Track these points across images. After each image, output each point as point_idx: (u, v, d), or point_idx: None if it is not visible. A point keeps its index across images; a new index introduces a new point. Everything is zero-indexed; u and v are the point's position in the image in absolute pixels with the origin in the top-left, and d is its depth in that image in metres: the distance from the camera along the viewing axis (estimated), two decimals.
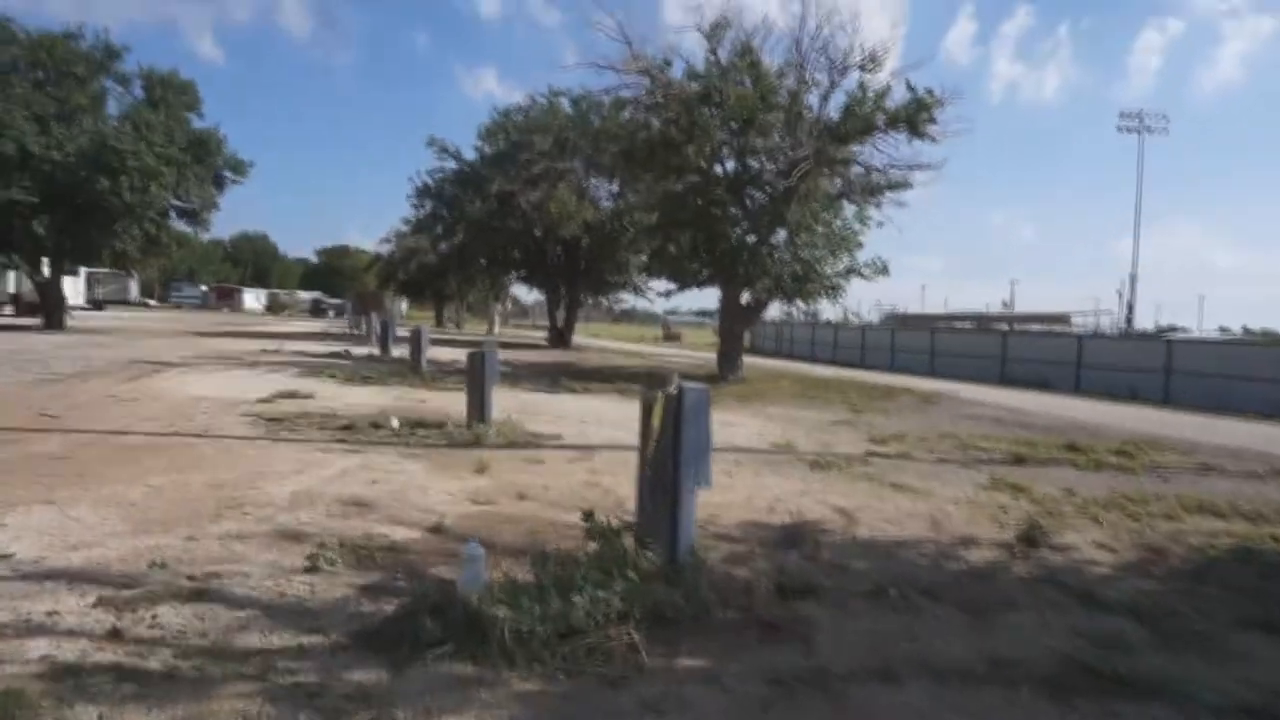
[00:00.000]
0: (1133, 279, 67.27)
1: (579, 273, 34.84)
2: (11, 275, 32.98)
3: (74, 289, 47.77)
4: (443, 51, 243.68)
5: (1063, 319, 75.24)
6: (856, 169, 19.98)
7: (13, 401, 10.70)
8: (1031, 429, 13.85)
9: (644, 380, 18.78)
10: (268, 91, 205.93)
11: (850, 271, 19.99)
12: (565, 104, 33.83)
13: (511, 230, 32.84)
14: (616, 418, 12.05)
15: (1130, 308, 72.41)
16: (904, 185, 19.65)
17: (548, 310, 38.90)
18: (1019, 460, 10.11)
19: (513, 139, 33.23)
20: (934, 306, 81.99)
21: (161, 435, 8.58)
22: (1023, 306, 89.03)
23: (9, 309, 36.26)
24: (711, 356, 37.11)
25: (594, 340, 47.28)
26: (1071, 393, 24.77)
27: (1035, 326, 62.67)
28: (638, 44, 19.25)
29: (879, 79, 18.66)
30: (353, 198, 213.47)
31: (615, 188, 33.45)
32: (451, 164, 36.12)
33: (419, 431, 9.54)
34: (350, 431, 9.31)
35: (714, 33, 18.94)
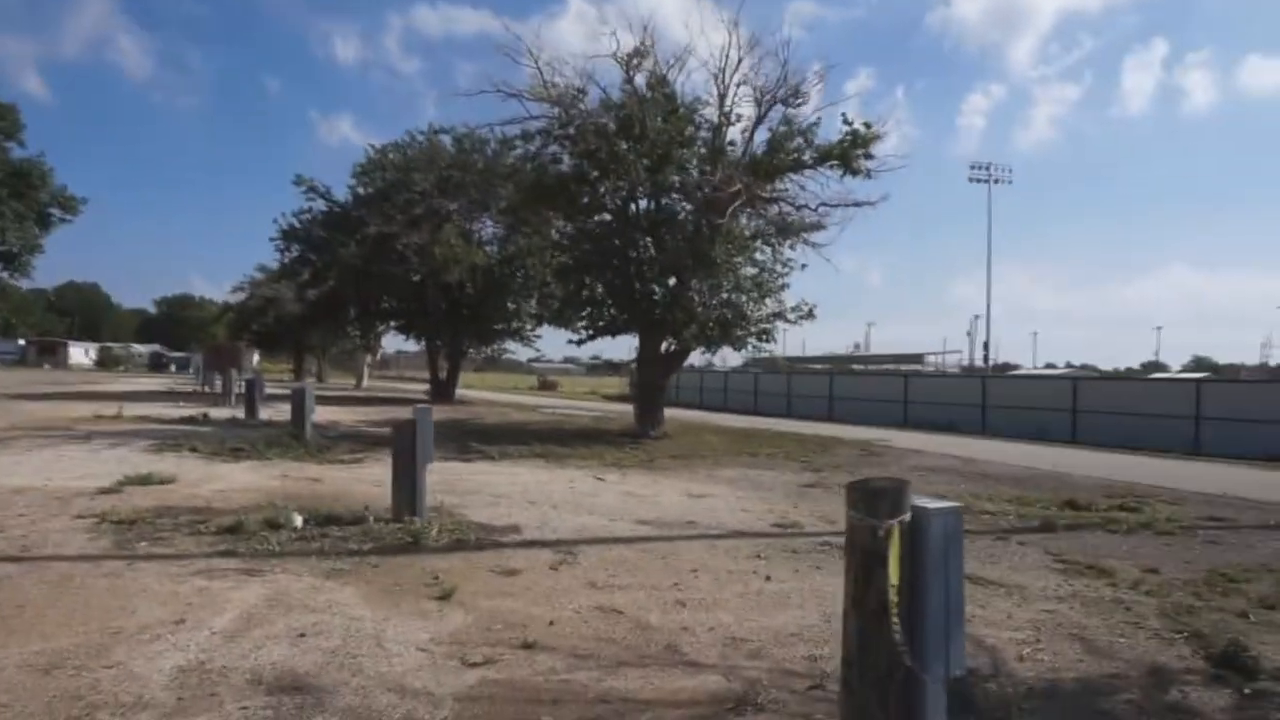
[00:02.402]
0: (987, 318, 70.80)
1: (463, 320, 32.33)
2: None
3: None
4: (297, 97, 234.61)
5: (917, 359, 78.28)
6: (775, 208, 18.89)
7: None
8: (1000, 480, 12.82)
9: (564, 440, 16.78)
10: (101, 133, 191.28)
11: (776, 316, 18.75)
12: (447, 141, 31.67)
13: (389, 275, 30.06)
14: (564, 494, 10.03)
15: (986, 346, 76.15)
16: (818, 226, 18.68)
17: (429, 361, 36.04)
18: (1047, 528, 8.78)
19: (390, 178, 30.64)
20: (792, 349, 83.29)
21: None
22: (875, 349, 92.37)
23: None
24: (609, 407, 35.47)
25: (472, 392, 44.53)
26: (981, 434, 24.48)
27: (890, 366, 64.48)
28: (547, 73, 17.57)
29: (803, 113, 17.73)
30: (197, 247, 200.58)
31: (501, 230, 31.43)
32: (320, 205, 33.06)
33: (333, 531, 7.20)
34: (238, 537, 6.88)
35: (631, 61, 17.49)
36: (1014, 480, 12.85)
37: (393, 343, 55.57)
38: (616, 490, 10.50)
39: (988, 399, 26.69)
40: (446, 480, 10.47)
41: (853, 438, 19.68)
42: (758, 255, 19.18)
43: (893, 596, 2.64)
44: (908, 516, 2.66)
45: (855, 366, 73.77)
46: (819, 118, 17.50)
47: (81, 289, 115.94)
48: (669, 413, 19.23)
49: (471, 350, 36.36)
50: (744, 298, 18.30)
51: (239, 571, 5.87)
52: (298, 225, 33.50)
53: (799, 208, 18.03)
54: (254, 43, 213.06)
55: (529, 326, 33.44)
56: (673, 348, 19.00)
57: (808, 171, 17.62)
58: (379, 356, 66.22)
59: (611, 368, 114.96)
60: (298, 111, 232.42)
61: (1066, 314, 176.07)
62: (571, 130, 17.47)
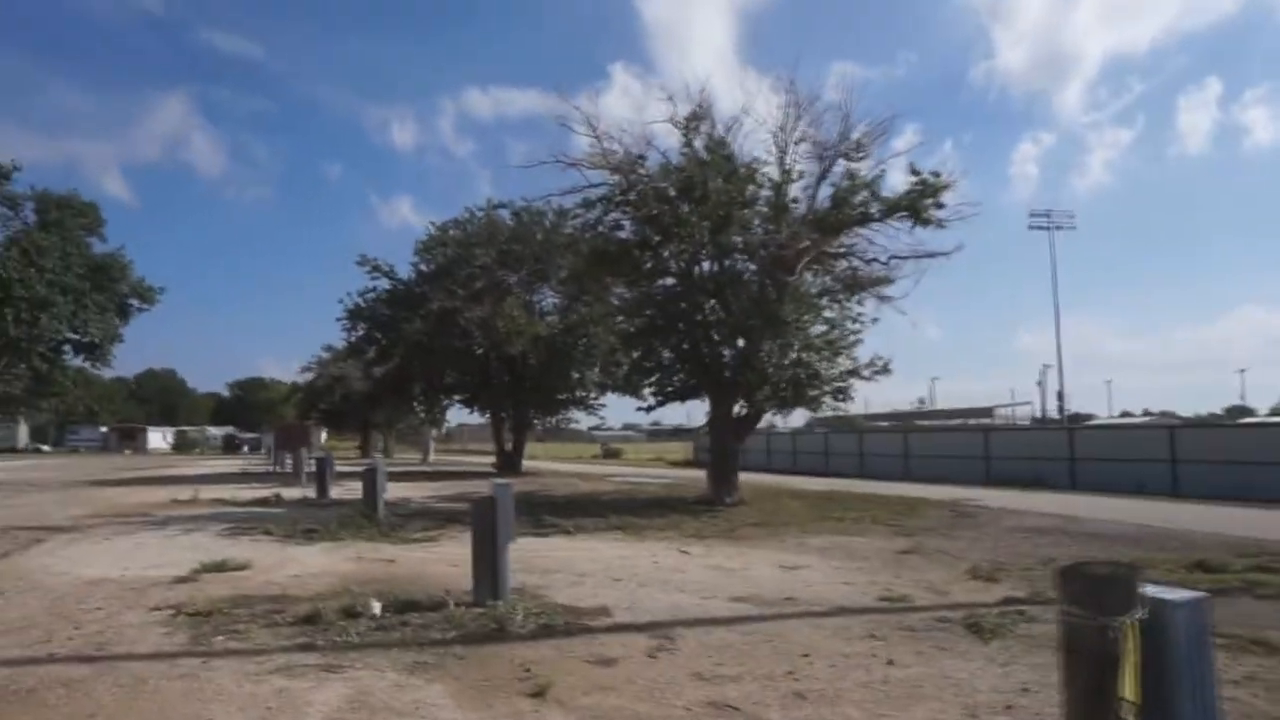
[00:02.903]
0: (1060, 367, 68.55)
1: (526, 391, 32.29)
2: None
3: None
4: (356, 182, 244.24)
5: (986, 413, 75.89)
6: (843, 264, 18.44)
7: None
8: (1115, 541, 11.88)
9: (638, 510, 16.24)
10: (177, 228, 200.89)
11: (851, 373, 18.12)
12: (505, 215, 32.14)
13: (452, 350, 30.30)
14: (649, 569, 9.50)
15: (1060, 396, 73.53)
16: (886, 280, 18.12)
17: (494, 433, 35.99)
18: None
19: (451, 254, 31.11)
20: (854, 407, 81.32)
21: (29, 665, 5.65)
22: (940, 403, 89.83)
23: None
24: (677, 473, 34.82)
25: (537, 462, 44.27)
26: (1071, 489, 23.21)
27: (958, 421, 62.54)
28: (605, 141, 17.61)
29: (866, 166, 17.39)
30: (267, 330, 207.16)
31: (561, 301, 31.54)
32: (384, 283, 33.69)
33: (413, 618, 6.79)
34: (316, 628, 6.52)
35: (689, 125, 17.42)
36: (1130, 540, 11.90)
37: (456, 415, 55.96)
38: (703, 564, 9.93)
39: (1076, 451, 25.34)
40: (524, 558, 10.02)
41: (938, 497, 18.74)
42: (827, 313, 18.69)
43: (1127, 718, 2.09)
44: (1143, 613, 2.11)
45: (921, 422, 71.92)
46: (882, 170, 17.15)
47: (159, 376, 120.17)
48: (740, 477, 18.57)
49: (536, 421, 36.20)
50: (816, 356, 17.74)
51: (318, 668, 5.48)
52: (363, 304, 34.13)
53: (868, 261, 17.57)
54: (313, 132, 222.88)
55: (593, 395, 33.25)
56: (744, 411, 18.44)
57: (875, 225, 17.17)
58: (444, 430, 66.74)
59: (672, 433, 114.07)
60: (358, 196, 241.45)
61: (1136, 359, 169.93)
62: (632, 196, 17.39)
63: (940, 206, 16.11)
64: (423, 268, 32.62)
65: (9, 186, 23.71)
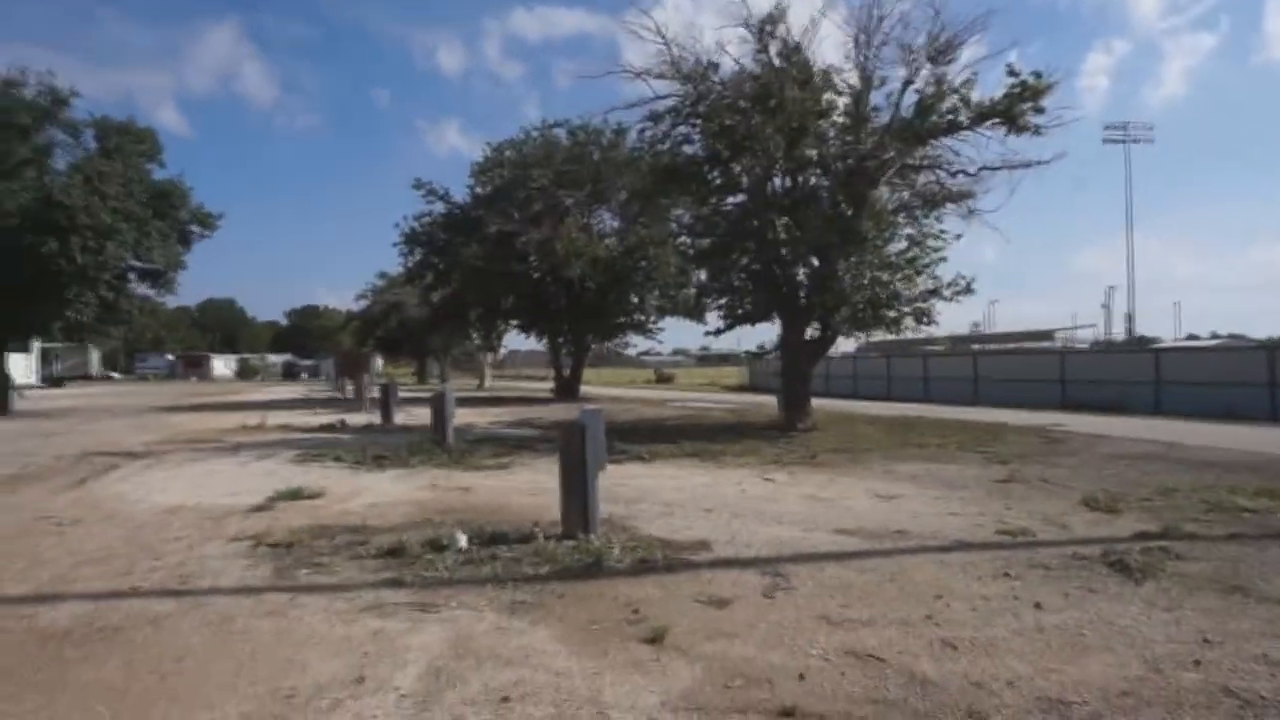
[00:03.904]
0: (1130, 288, 65.86)
1: (585, 316, 31.82)
2: None
3: (26, 366, 44.18)
4: (404, 109, 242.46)
5: (1046, 335, 73.62)
6: (926, 176, 17.32)
7: None
8: (1232, 469, 11.09)
9: (709, 436, 15.79)
10: (230, 158, 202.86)
11: (932, 293, 17.18)
12: (561, 135, 31.18)
13: (510, 274, 29.83)
14: (738, 499, 9.03)
15: (1130, 318, 70.94)
16: (966, 195, 16.94)
17: (552, 358, 35.76)
18: None
19: (508, 175, 30.37)
20: (905, 332, 78.99)
21: (112, 599, 5.38)
22: (998, 326, 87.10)
23: None
24: (737, 399, 34.30)
25: (592, 388, 44.11)
26: (1154, 414, 22.14)
27: (1016, 345, 60.72)
28: (674, 48, 16.58)
29: (954, 70, 16.11)
30: (320, 259, 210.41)
31: (620, 222, 30.75)
32: (439, 207, 33.15)
33: (501, 552, 6.39)
34: (402, 561, 6.17)
35: (764, 28, 16.27)
36: (1249, 468, 11.06)
37: (512, 341, 55.96)
38: (795, 493, 9.41)
39: (1162, 374, 24.10)
40: (604, 486, 9.44)
41: (1020, 423, 17.91)
42: (906, 230, 17.67)
43: None
44: None
45: (976, 346, 69.98)
46: (974, 74, 15.88)
47: (220, 305, 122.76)
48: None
49: (593, 345, 35.81)
50: (895, 276, 16.84)
51: (411, 606, 5.10)
52: (419, 229, 33.71)
53: (954, 173, 16.40)
54: (361, 59, 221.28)
55: (652, 319, 32.68)
56: (816, 334, 17.69)
57: (964, 134, 15.98)
58: (499, 356, 67.08)
59: (722, 359, 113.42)
60: (405, 123, 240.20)
61: (1207, 280, 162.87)
62: (702, 107, 16.43)
63: (1040, 111, 14.84)
64: (478, 190, 31.98)
65: (68, 113, 23.53)
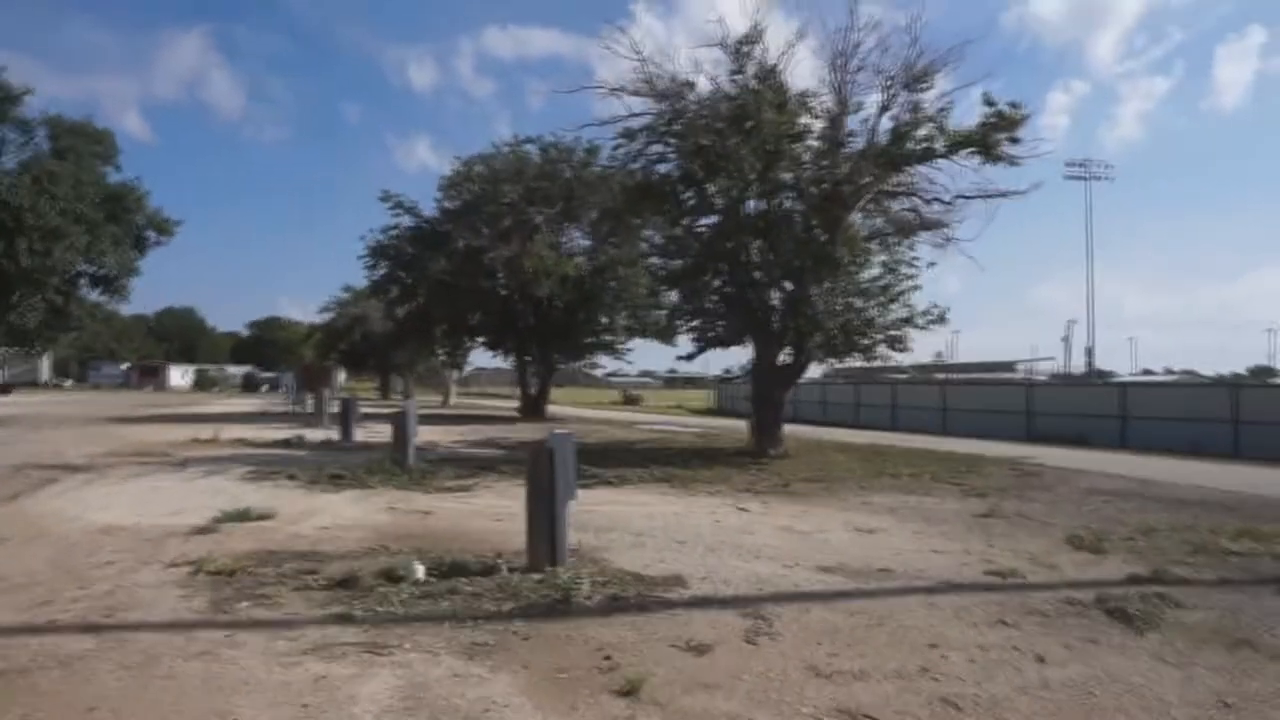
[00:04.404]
0: (1090, 322, 66.84)
1: (553, 335, 31.36)
2: None
3: None
4: (374, 124, 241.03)
5: (1007, 367, 74.53)
6: (901, 204, 17.23)
7: None
8: (1208, 508, 10.92)
9: (679, 461, 15.38)
10: (195, 166, 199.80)
11: (906, 321, 17.03)
12: (533, 152, 30.83)
13: (477, 290, 29.32)
14: (712, 530, 8.64)
15: (1090, 352, 71.96)
16: (939, 224, 16.88)
17: (518, 376, 35.17)
18: None
19: (477, 190, 29.89)
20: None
21: (23, 634, 4.82)
22: (961, 357, 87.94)
23: None
24: (706, 422, 33.99)
25: (559, 408, 43.52)
26: (1120, 448, 22.20)
27: (977, 375, 61.42)
28: (650, 65, 16.35)
29: (929, 98, 16.06)
30: (284, 270, 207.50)
31: (590, 241, 30.39)
32: (407, 220, 32.55)
33: (461, 584, 5.93)
34: (353, 594, 5.69)
35: (741, 49, 16.10)
36: (1224, 507, 10.91)
37: (477, 358, 55.23)
38: (770, 525, 9.04)
39: (1128, 409, 24.23)
40: (572, 513, 9.18)
41: (993, 455, 17.76)
42: (880, 256, 17.55)
43: None
44: None
45: (940, 376, 70.60)
46: (950, 102, 15.83)
47: (178, 314, 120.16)
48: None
49: (560, 365, 35.30)
50: (869, 302, 16.67)
51: (361, 647, 4.64)
52: (385, 242, 33.07)
53: (929, 201, 16.31)
54: (332, 72, 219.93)
55: (620, 340, 32.31)
56: (789, 359, 17.43)
57: (939, 162, 15.91)
58: (464, 373, 66.23)
59: (688, 382, 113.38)
60: (375, 137, 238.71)
61: (1158, 318, 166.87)
62: (677, 126, 16.19)
63: (1015, 141, 14.81)
64: (446, 205, 31.44)
65: (19, 110, 22.68)
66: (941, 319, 17.10)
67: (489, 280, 29.11)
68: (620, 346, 33.16)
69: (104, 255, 22.59)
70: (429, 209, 32.55)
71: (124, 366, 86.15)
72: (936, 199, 16.05)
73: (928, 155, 15.76)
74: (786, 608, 5.64)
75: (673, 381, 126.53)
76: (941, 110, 15.66)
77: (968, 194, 15.68)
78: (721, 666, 4.46)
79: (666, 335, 23.75)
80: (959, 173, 15.89)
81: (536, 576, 6.11)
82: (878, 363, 20.10)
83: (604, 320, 31.14)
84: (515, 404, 40.40)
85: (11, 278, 20.34)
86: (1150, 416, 23.46)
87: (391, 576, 6.04)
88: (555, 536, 6.42)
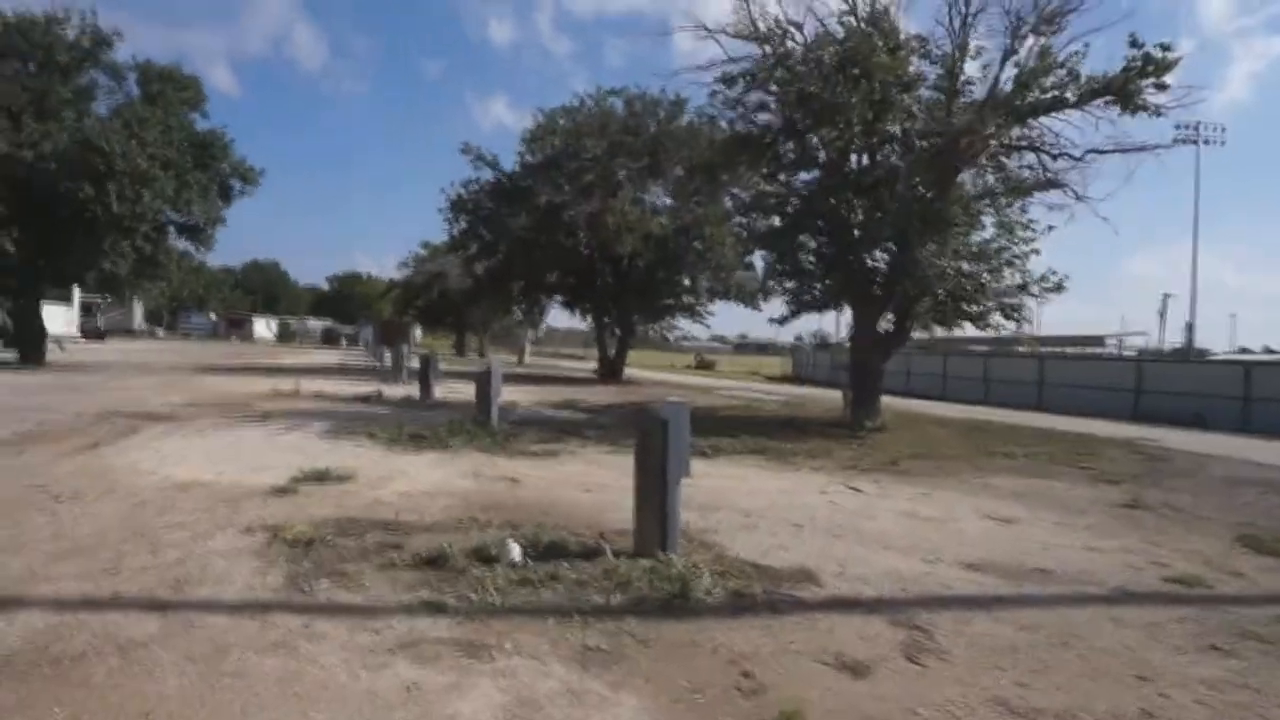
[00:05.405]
0: (1192, 296, 62.94)
1: (633, 295, 30.56)
2: None
3: (66, 318, 44.04)
4: (453, 80, 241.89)
5: (1096, 341, 70.79)
6: (1021, 159, 15.80)
7: None
8: None
9: (771, 431, 14.51)
10: (279, 121, 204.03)
11: (1022, 288, 15.69)
12: (617, 105, 29.82)
13: (557, 247, 28.67)
14: (827, 512, 7.80)
15: (1191, 327, 67.85)
16: (1054, 184, 15.39)
17: (596, 337, 34.55)
18: None
19: (559, 144, 29.07)
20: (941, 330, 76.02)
21: (83, 610, 4.30)
22: (1045, 330, 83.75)
23: None
24: (785, 390, 32.93)
25: (634, 371, 42.89)
26: (1242, 431, 20.48)
27: (1069, 349, 58.42)
28: (752, 4, 15.21)
29: (1060, 42, 14.56)
30: (364, 225, 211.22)
31: (674, 199, 29.37)
32: (487, 174, 31.97)
33: (562, 569, 5.23)
34: (443, 575, 5.05)
35: None
36: None
37: (553, 318, 54.91)
38: (890, 509, 8.14)
39: (1252, 390, 22.32)
40: None
41: (1104, 435, 16.42)
42: (987, 218, 16.21)
43: None
44: None
45: (1020, 348, 67.64)
46: (1085, 45, 14.29)
47: (263, 267, 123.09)
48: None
49: (640, 326, 34.52)
50: (982, 266, 15.39)
51: (455, 646, 3.97)
52: (465, 196, 32.58)
53: (1055, 157, 14.87)
54: (413, 28, 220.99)
55: (702, 301, 31.37)
56: (891, 326, 16.29)
57: (1069, 112, 14.45)
58: (540, 333, 66.15)
59: (759, 348, 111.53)
60: (454, 94, 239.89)
61: (1257, 292, 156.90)
62: (779, 72, 15.06)
63: (1163, 88, 13.26)
64: (528, 159, 30.71)
65: (110, 55, 22.72)
66: (1059, 287, 15.67)
67: (569, 238, 28.40)
68: (701, 309, 32.20)
69: (191, 203, 22.55)
70: (508, 165, 31.94)
71: (213, 317, 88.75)
72: (1065, 154, 14.58)
73: (1057, 105, 14.30)
74: (942, 616, 4.79)
75: (743, 347, 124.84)
76: (1074, 55, 14.15)
77: (1103, 148, 14.17)
78: (888, 695, 3.66)
79: (754, 298, 22.76)
80: (1087, 126, 14.42)
81: (646, 563, 5.38)
82: (991, 332, 18.64)
83: (685, 281, 30.18)
84: (590, 365, 39.92)
85: (102, 224, 20.40)
86: (1273, 397, 21.55)
87: (484, 556, 5.39)
88: (666, 518, 5.67)
